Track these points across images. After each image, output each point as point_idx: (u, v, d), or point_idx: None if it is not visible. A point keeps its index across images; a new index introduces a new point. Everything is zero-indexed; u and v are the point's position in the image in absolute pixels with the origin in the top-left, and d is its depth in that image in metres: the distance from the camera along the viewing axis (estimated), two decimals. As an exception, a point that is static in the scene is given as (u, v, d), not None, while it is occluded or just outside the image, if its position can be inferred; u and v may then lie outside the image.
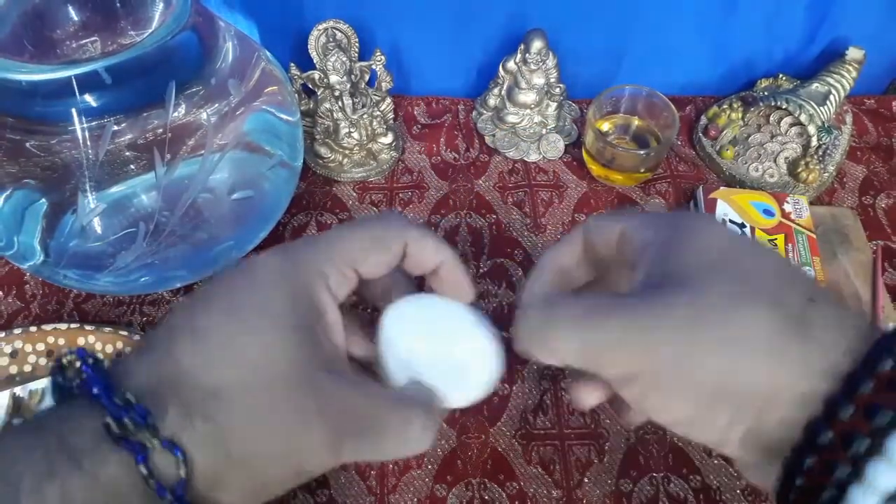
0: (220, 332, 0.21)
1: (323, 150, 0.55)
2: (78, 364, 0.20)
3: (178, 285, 0.45)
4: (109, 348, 0.42)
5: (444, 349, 0.26)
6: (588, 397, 0.27)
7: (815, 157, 0.54)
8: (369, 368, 0.28)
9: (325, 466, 0.23)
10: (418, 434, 0.24)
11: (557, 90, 0.57)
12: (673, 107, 0.53)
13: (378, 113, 0.55)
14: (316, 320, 0.23)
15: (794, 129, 0.56)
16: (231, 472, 0.21)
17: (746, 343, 0.20)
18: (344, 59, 0.51)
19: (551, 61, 0.55)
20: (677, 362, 0.21)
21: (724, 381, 0.20)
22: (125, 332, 0.43)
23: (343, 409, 0.22)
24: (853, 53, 0.56)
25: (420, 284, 0.29)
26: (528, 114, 0.57)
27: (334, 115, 0.54)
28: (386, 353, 0.27)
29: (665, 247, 0.24)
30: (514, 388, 0.44)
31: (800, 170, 0.54)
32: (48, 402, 0.39)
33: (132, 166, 0.36)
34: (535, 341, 0.24)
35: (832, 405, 0.19)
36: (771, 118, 0.57)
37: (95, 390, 0.19)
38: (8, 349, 0.42)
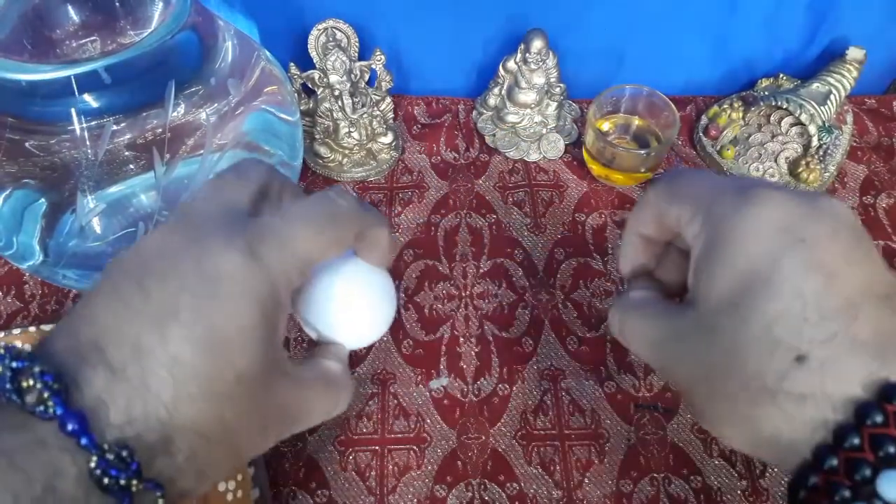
0: (199, 365, 0.20)
1: (323, 150, 0.55)
2: (44, 392, 0.18)
3: (178, 285, 0.45)
4: (109, 348, 0.42)
5: (341, 306, 0.29)
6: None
7: (816, 156, 0.54)
8: None
9: (254, 454, 0.24)
10: (342, 408, 0.27)
11: (558, 90, 0.57)
12: (673, 106, 0.53)
13: (378, 112, 0.55)
14: (277, 324, 0.23)
15: (794, 129, 0.56)
16: (198, 487, 0.21)
17: (764, 379, 0.21)
18: (344, 58, 0.51)
19: (551, 61, 0.55)
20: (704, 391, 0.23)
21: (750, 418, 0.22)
22: (125, 333, 0.42)
23: (288, 407, 0.24)
24: (854, 53, 0.56)
25: None
26: (528, 113, 0.57)
27: (334, 114, 0.54)
28: (297, 307, 0.29)
29: (703, 255, 0.24)
30: (515, 388, 0.44)
31: (800, 169, 0.54)
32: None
33: (131, 166, 0.36)
34: (621, 338, 0.28)
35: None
36: (771, 118, 0.57)
37: (70, 427, 0.18)
38: (7, 349, 0.42)
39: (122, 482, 0.18)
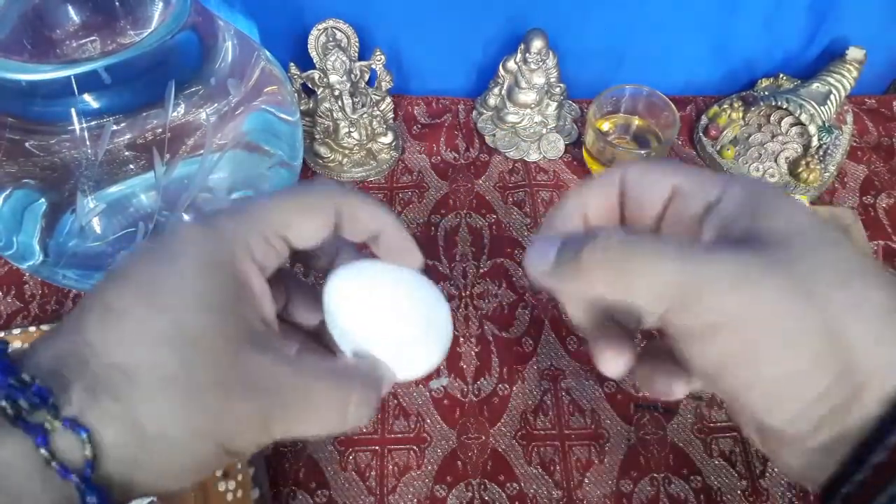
0: (133, 311, 0.20)
1: (323, 150, 0.55)
2: None
3: (178, 285, 0.45)
4: (109, 348, 0.42)
5: (388, 318, 0.25)
6: (618, 362, 0.25)
7: (816, 156, 0.54)
8: (323, 339, 0.27)
9: (255, 446, 0.22)
10: (355, 409, 0.23)
11: (558, 90, 0.57)
12: (673, 106, 0.53)
13: (378, 112, 0.55)
14: (239, 294, 0.22)
15: (794, 129, 0.56)
16: (147, 451, 0.20)
17: (859, 315, 0.19)
18: (344, 58, 0.51)
19: (551, 61, 0.55)
20: (792, 309, 0.19)
21: (839, 340, 0.19)
22: (125, 333, 0.42)
23: (270, 385, 0.21)
24: (854, 53, 0.56)
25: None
26: (528, 113, 0.57)
27: (334, 114, 0.54)
28: (330, 322, 0.26)
29: (745, 206, 0.22)
30: (515, 388, 0.44)
31: (800, 169, 0.54)
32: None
33: (131, 166, 0.36)
34: (609, 268, 0.22)
35: None
36: (771, 118, 0.57)
37: None
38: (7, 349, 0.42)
39: (28, 408, 0.18)
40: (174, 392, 0.20)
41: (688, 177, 0.24)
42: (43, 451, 0.18)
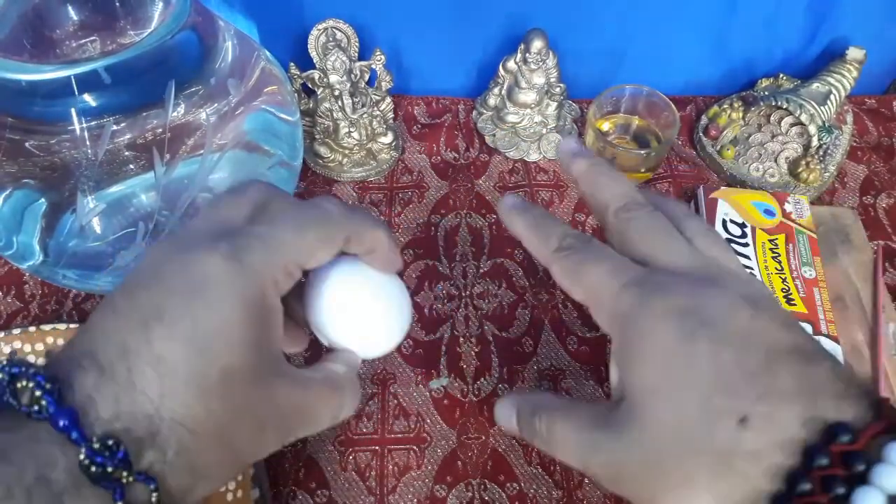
0: (185, 361, 0.21)
1: (323, 150, 0.55)
2: (36, 391, 0.19)
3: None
4: (109, 348, 0.42)
5: (353, 310, 0.28)
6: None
7: (816, 156, 0.54)
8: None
9: (253, 459, 0.24)
10: (347, 412, 0.27)
11: (558, 90, 0.57)
12: (673, 106, 0.53)
13: (378, 112, 0.55)
14: (266, 326, 0.23)
15: (794, 129, 0.56)
16: (196, 486, 0.21)
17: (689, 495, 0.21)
18: (344, 58, 0.51)
19: (551, 61, 0.55)
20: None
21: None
22: (124, 333, 0.42)
23: (288, 407, 0.24)
24: (854, 53, 0.56)
25: None
26: (528, 113, 0.57)
27: (334, 114, 0.54)
28: (307, 315, 0.28)
29: (622, 357, 0.25)
30: (515, 388, 0.44)
31: (800, 169, 0.54)
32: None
33: (131, 166, 0.36)
34: (549, 447, 0.26)
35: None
36: (771, 118, 0.57)
37: (62, 423, 0.19)
38: (7, 349, 0.42)
39: (111, 471, 0.19)
40: (223, 439, 0.22)
41: (586, 297, 0.27)
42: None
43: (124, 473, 0.19)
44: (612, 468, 0.24)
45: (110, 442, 0.19)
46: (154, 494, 0.20)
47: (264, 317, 0.23)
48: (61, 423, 0.19)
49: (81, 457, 0.19)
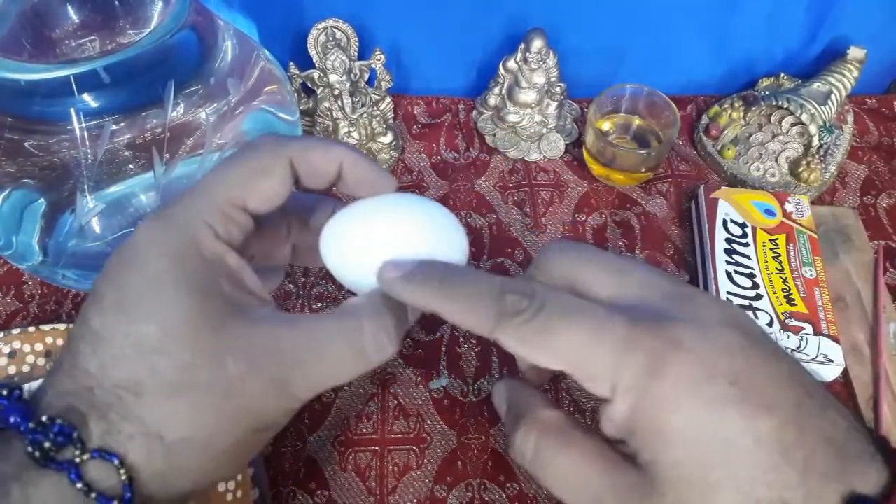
0: (117, 329, 0.20)
1: (323, 150, 0.55)
2: None
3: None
4: (108, 348, 0.42)
5: (382, 248, 0.24)
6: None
7: (817, 156, 0.54)
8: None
9: (283, 413, 0.22)
10: (371, 340, 0.22)
11: (558, 89, 0.57)
12: (674, 106, 0.53)
13: (378, 112, 0.55)
14: (213, 274, 0.22)
15: (795, 129, 0.56)
16: (174, 457, 0.20)
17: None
18: (343, 58, 0.51)
19: (552, 60, 0.55)
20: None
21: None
22: (124, 333, 0.42)
23: (269, 347, 0.21)
24: (854, 53, 0.56)
25: None
26: (528, 113, 0.57)
27: (334, 114, 0.54)
28: (330, 269, 0.25)
29: (637, 424, 0.20)
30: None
31: (801, 169, 0.54)
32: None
33: (131, 166, 0.36)
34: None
35: None
36: (772, 117, 0.57)
37: (12, 419, 0.19)
38: (6, 349, 0.42)
39: (55, 450, 0.19)
40: (177, 393, 0.20)
41: (596, 333, 0.21)
42: (79, 485, 0.18)
43: (76, 452, 0.19)
44: None
45: (45, 418, 0.19)
46: (121, 472, 0.19)
47: (206, 264, 0.22)
48: (11, 418, 0.19)
49: (26, 442, 0.19)
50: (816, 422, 0.20)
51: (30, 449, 0.19)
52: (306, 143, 0.24)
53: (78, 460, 0.19)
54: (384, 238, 0.24)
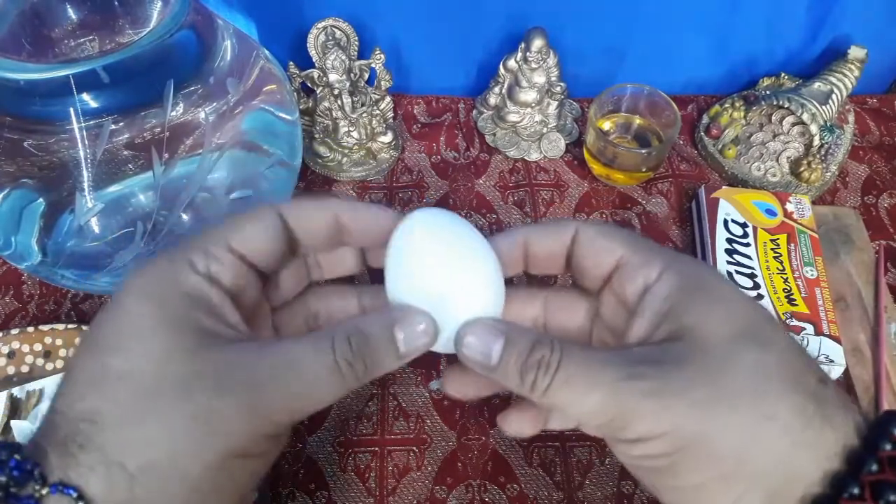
0: (84, 363, 0.21)
1: (322, 150, 0.55)
2: None
3: (177, 285, 0.45)
4: (107, 349, 0.42)
5: (441, 277, 0.23)
6: (524, 427, 0.27)
7: (818, 156, 0.54)
8: None
9: (262, 437, 0.22)
10: (343, 361, 0.22)
11: (558, 89, 0.57)
12: (674, 106, 0.52)
13: (377, 112, 0.55)
14: (190, 307, 0.22)
15: (796, 129, 0.55)
16: (139, 488, 0.20)
17: (774, 424, 0.20)
18: (343, 57, 0.50)
19: (552, 60, 0.55)
20: (702, 436, 0.20)
21: (747, 459, 0.20)
22: (123, 333, 0.42)
23: (240, 368, 0.21)
24: (855, 52, 0.56)
25: None
26: (528, 113, 0.57)
27: (333, 113, 0.54)
28: (386, 275, 0.25)
29: (678, 299, 0.23)
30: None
31: (802, 169, 0.54)
32: (46, 403, 0.39)
33: (130, 165, 0.36)
34: (550, 391, 0.22)
35: (840, 485, 0.19)
36: (773, 117, 0.57)
37: None
38: (5, 350, 0.42)
39: (13, 485, 0.19)
40: (139, 419, 0.20)
41: (634, 252, 0.25)
42: None
43: (35, 487, 0.19)
44: (658, 400, 0.21)
45: (3, 455, 0.19)
46: (80, 503, 0.19)
47: (179, 299, 0.22)
48: None
49: None
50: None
51: None
52: (299, 200, 0.26)
53: (37, 495, 0.19)
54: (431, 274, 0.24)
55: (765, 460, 0.20)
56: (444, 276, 0.24)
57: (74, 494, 0.19)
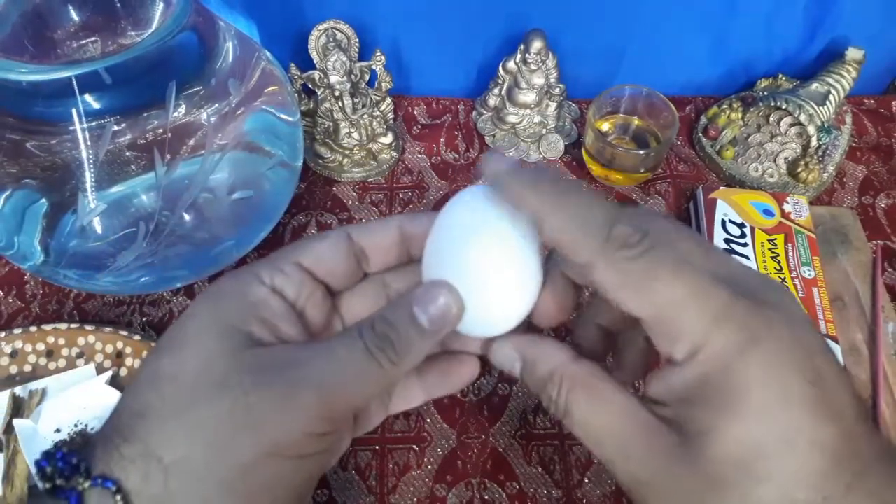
0: (146, 367, 0.22)
1: (323, 150, 0.55)
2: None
3: (179, 285, 0.45)
4: (109, 348, 0.42)
5: (474, 255, 0.23)
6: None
7: (815, 157, 0.54)
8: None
9: (302, 435, 0.21)
10: (373, 345, 0.22)
11: (557, 90, 0.57)
12: (673, 107, 0.53)
13: (378, 113, 0.55)
14: (247, 315, 0.23)
15: (793, 129, 0.56)
16: (173, 478, 0.20)
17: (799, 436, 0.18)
18: (344, 59, 0.51)
19: (551, 61, 0.55)
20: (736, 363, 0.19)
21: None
22: (125, 333, 0.43)
23: (280, 363, 0.22)
24: (853, 53, 0.56)
25: None
26: (527, 114, 0.57)
27: (334, 115, 0.54)
28: (426, 249, 0.24)
29: (702, 398, 0.20)
30: (514, 387, 0.44)
31: (799, 170, 0.54)
32: (47, 402, 0.39)
33: (132, 166, 0.36)
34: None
35: None
36: (771, 118, 0.57)
37: (38, 456, 0.20)
38: (8, 349, 0.42)
39: (60, 479, 0.19)
40: (180, 413, 0.20)
41: (694, 292, 0.21)
42: None
43: (79, 480, 0.19)
44: (666, 485, 0.20)
45: (51, 448, 0.20)
46: (117, 497, 0.19)
47: (239, 307, 0.23)
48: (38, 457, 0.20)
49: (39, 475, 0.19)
50: (874, 438, 0.19)
51: (37, 478, 0.19)
52: (367, 221, 0.27)
53: (80, 488, 0.19)
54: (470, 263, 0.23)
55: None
56: (477, 254, 0.23)
57: (113, 488, 0.19)
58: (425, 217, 0.26)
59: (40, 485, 0.19)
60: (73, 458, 0.20)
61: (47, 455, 0.20)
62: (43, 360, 0.42)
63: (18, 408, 0.39)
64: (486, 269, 0.23)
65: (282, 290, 0.24)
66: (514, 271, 0.23)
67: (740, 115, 0.58)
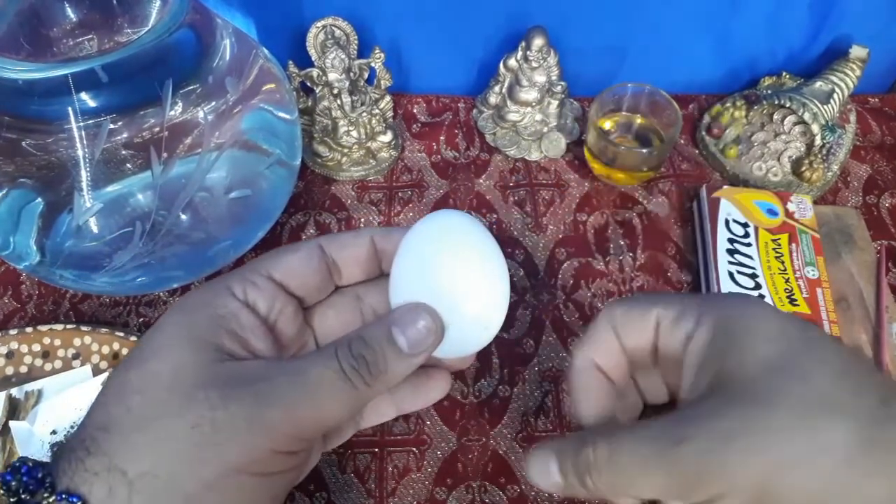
0: (113, 378, 0.22)
1: (321, 149, 0.55)
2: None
3: (176, 286, 0.45)
4: (105, 349, 0.42)
5: (443, 275, 0.23)
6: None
7: (819, 156, 0.54)
8: None
9: (267, 452, 0.21)
10: (348, 366, 0.22)
11: (559, 88, 0.56)
12: (676, 105, 0.52)
13: (377, 111, 0.55)
14: (216, 327, 0.23)
15: (797, 128, 0.55)
16: (137, 493, 0.19)
17: (832, 456, 0.19)
18: (343, 56, 0.50)
19: (552, 59, 0.55)
20: (758, 485, 0.20)
21: (813, 493, 0.19)
22: (121, 333, 0.42)
23: (247, 380, 0.21)
24: (857, 52, 0.56)
25: None
26: (529, 112, 0.57)
27: (333, 113, 0.54)
28: (390, 281, 0.24)
29: (715, 344, 0.22)
30: (515, 389, 0.43)
31: (803, 169, 0.53)
32: (43, 403, 0.39)
33: (129, 165, 0.35)
34: (607, 484, 0.22)
35: None
36: (774, 117, 0.57)
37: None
38: (4, 350, 0.41)
39: (23, 493, 0.19)
40: (145, 426, 0.20)
41: (665, 308, 0.24)
42: None
43: (44, 494, 0.19)
44: (710, 458, 0.20)
45: (17, 462, 0.19)
46: None
47: (208, 320, 0.23)
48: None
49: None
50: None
51: (2, 492, 0.19)
52: (338, 232, 0.27)
53: (45, 503, 0.19)
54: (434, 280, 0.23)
55: (829, 492, 0.19)
56: (446, 273, 0.23)
57: (78, 502, 0.19)
58: (398, 233, 0.26)
59: (5, 500, 0.19)
60: (39, 472, 0.19)
61: (13, 469, 0.19)
62: (39, 361, 0.42)
63: (14, 409, 0.39)
64: (462, 291, 0.23)
65: (254, 304, 0.24)
66: (487, 292, 0.23)
67: (744, 113, 0.57)
